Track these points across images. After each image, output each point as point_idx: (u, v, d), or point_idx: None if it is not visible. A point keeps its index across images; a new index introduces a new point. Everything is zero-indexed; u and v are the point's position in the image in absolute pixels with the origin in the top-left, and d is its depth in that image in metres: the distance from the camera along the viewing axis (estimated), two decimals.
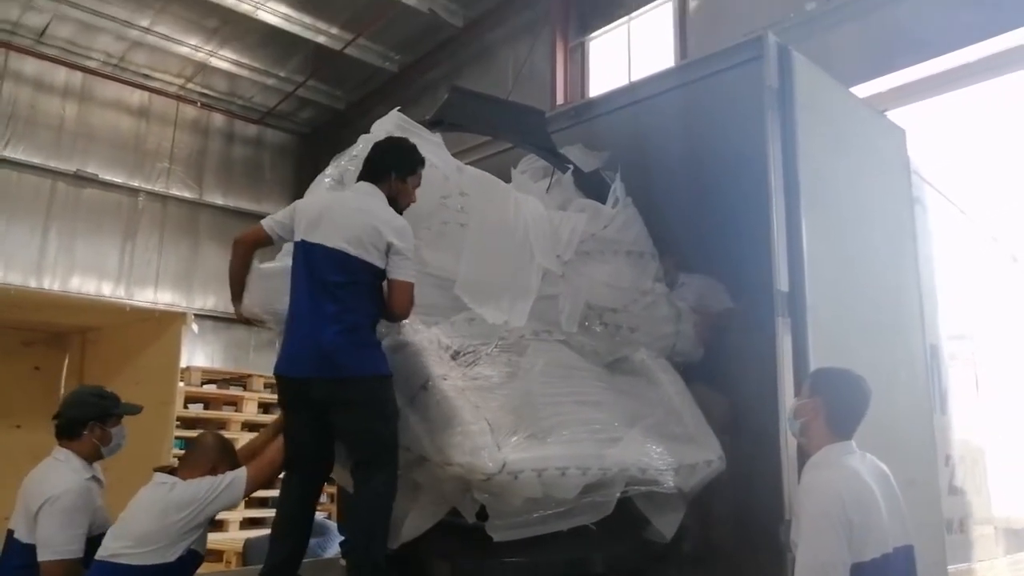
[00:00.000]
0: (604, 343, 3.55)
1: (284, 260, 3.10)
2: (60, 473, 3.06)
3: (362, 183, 3.00)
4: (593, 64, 9.61)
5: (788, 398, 2.97)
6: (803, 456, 2.72)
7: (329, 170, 3.35)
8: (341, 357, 2.70)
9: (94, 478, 3.17)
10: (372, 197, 2.93)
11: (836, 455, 2.41)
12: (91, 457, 3.19)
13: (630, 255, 3.70)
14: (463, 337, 3.11)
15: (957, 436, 4.22)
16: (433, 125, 3.67)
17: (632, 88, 4.15)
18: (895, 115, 5.74)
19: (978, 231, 5.18)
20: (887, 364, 3.43)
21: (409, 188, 3.03)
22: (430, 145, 3.41)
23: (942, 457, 3.93)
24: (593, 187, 3.93)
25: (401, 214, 2.96)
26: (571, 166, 4.00)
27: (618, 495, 2.94)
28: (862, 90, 5.93)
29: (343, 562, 3.84)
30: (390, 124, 3.43)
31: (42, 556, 2.90)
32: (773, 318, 3.16)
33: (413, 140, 3.24)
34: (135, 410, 3.34)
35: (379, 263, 2.79)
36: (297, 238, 2.86)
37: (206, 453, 2.94)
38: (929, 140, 5.96)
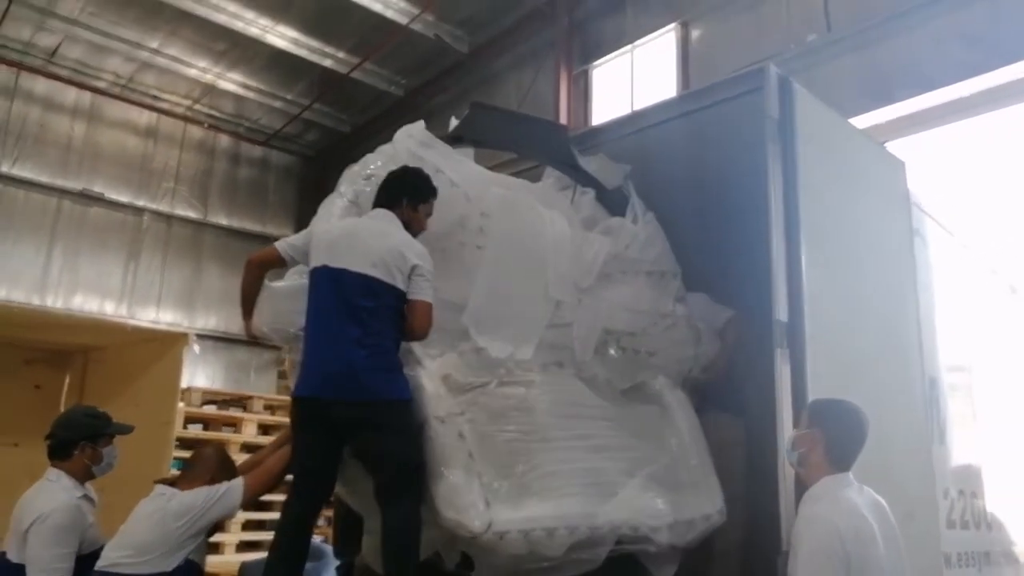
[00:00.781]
0: (619, 370, 3.43)
1: (293, 279, 3.11)
2: (50, 492, 3.08)
3: (378, 210, 3.05)
4: (596, 92, 9.71)
5: (787, 428, 2.97)
6: (800, 486, 2.72)
7: (344, 188, 3.34)
8: (369, 380, 2.72)
9: (85, 497, 3.18)
10: (390, 223, 2.99)
11: (834, 487, 2.41)
12: (82, 477, 3.21)
13: (651, 276, 3.60)
14: (468, 368, 3.04)
15: (955, 468, 4.20)
16: (453, 141, 3.63)
17: (635, 117, 4.19)
18: (894, 147, 5.80)
19: (977, 263, 5.19)
20: (886, 395, 3.43)
21: (421, 216, 3.08)
22: (452, 162, 3.37)
23: (941, 490, 3.91)
24: (616, 204, 3.86)
25: (415, 237, 3.01)
26: (593, 185, 3.90)
27: (606, 554, 2.91)
28: (861, 121, 5.98)
29: None
30: (414, 134, 3.42)
31: (31, 574, 2.90)
32: (772, 348, 3.17)
33: (437, 154, 3.26)
34: (126, 430, 3.35)
35: (403, 286, 2.84)
36: (318, 263, 2.88)
37: (205, 464, 2.97)
38: (928, 172, 6.00)
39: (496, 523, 2.67)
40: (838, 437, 2.47)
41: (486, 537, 2.64)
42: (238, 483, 2.82)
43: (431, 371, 2.95)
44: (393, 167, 3.24)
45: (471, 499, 2.68)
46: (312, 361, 2.81)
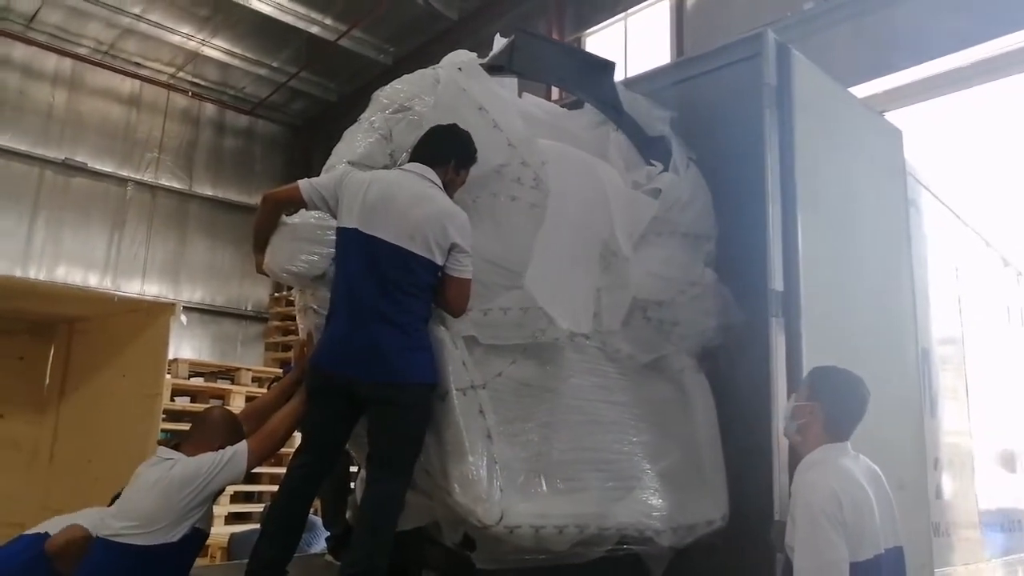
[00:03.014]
0: (644, 341, 3.28)
1: (306, 216, 2.91)
2: None
3: (418, 165, 2.82)
4: None
5: (781, 398, 2.95)
6: (795, 456, 2.70)
7: (375, 118, 3.09)
8: (398, 361, 2.62)
9: None
10: (430, 185, 2.78)
11: (832, 455, 2.40)
12: None
13: (686, 238, 3.41)
14: (494, 330, 2.88)
15: (946, 440, 4.22)
16: (493, 70, 3.36)
17: (628, 84, 4.11)
18: (890, 117, 5.74)
19: (971, 235, 5.18)
20: (879, 366, 3.41)
21: (461, 179, 2.90)
22: (498, 102, 3.15)
23: (931, 460, 3.93)
24: (658, 154, 3.60)
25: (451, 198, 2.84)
26: (634, 130, 3.66)
27: (604, 551, 2.88)
28: (858, 91, 5.92)
29: (329, 558, 3.81)
30: (464, 64, 3.20)
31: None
32: (767, 317, 3.14)
33: (483, 91, 3.06)
34: None
35: (440, 261, 2.69)
36: (349, 224, 2.70)
37: (214, 430, 2.84)
38: (924, 143, 5.96)
39: (508, 516, 2.61)
40: (838, 409, 2.45)
41: (496, 529, 2.59)
42: (243, 448, 2.71)
43: (456, 330, 2.81)
44: (430, 98, 3.04)
45: (485, 487, 2.60)
46: (339, 333, 2.68)
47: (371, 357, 2.63)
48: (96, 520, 2.80)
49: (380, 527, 2.61)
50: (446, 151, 2.85)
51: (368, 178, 2.79)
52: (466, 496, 2.59)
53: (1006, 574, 4.78)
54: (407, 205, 2.71)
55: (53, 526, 2.86)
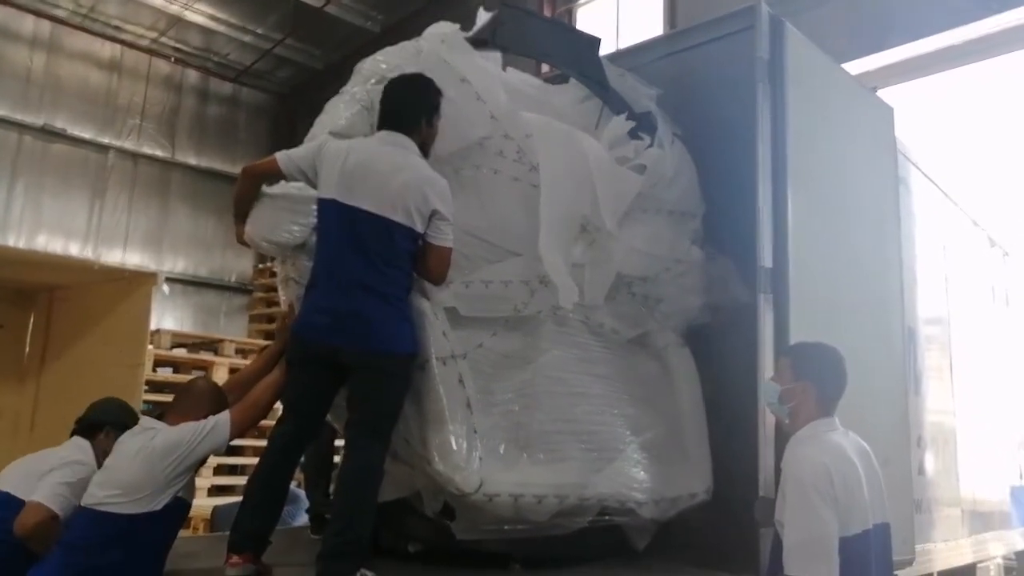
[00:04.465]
0: (628, 316, 3.27)
1: (288, 187, 2.90)
2: (85, 455, 3.02)
3: (392, 134, 2.78)
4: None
5: (768, 374, 2.94)
6: (781, 433, 2.70)
7: (357, 89, 3.07)
8: (382, 330, 2.62)
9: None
10: (409, 152, 2.76)
11: (821, 430, 2.40)
12: (98, 460, 3.10)
13: (671, 215, 3.39)
14: (476, 302, 2.88)
15: (929, 418, 4.26)
16: (477, 44, 3.33)
17: (619, 56, 4.04)
18: (882, 94, 5.70)
19: (959, 214, 5.19)
20: (866, 344, 3.42)
21: (436, 128, 2.86)
22: (480, 74, 3.11)
23: (914, 438, 3.97)
24: (644, 130, 3.54)
25: (428, 156, 2.82)
26: (621, 105, 3.60)
27: (586, 522, 2.87)
28: (851, 67, 5.88)
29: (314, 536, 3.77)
30: (446, 36, 3.18)
31: (33, 495, 2.82)
32: (755, 294, 3.13)
33: (466, 62, 3.03)
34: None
35: (420, 229, 2.68)
36: (328, 194, 2.69)
37: (198, 400, 2.83)
38: (914, 121, 5.95)
39: (488, 484, 2.61)
40: (823, 383, 2.45)
41: (476, 497, 2.59)
42: (225, 418, 2.70)
43: (437, 300, 2.80)
44: (413, 70, 2.98)
45: (464, 456, 2.61)
46: (322, 303, 2.67)
47: (354, 326, 2.61)
48: (24, 473, 2.90)
49: (362, 495, 2.60)
50: (416, 111, 2.82)
51: (345, 147, 2.77)
52: (445, 464, 2.59)
53: None
54: (386, 174, 2.69)
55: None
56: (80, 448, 3.06)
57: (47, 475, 2.88)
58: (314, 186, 2.77)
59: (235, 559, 2.57)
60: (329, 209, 2.70)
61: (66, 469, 2.91)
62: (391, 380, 2.66)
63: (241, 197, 2.91)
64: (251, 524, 2.67)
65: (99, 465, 3.03)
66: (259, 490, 2.74)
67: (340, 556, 2.51)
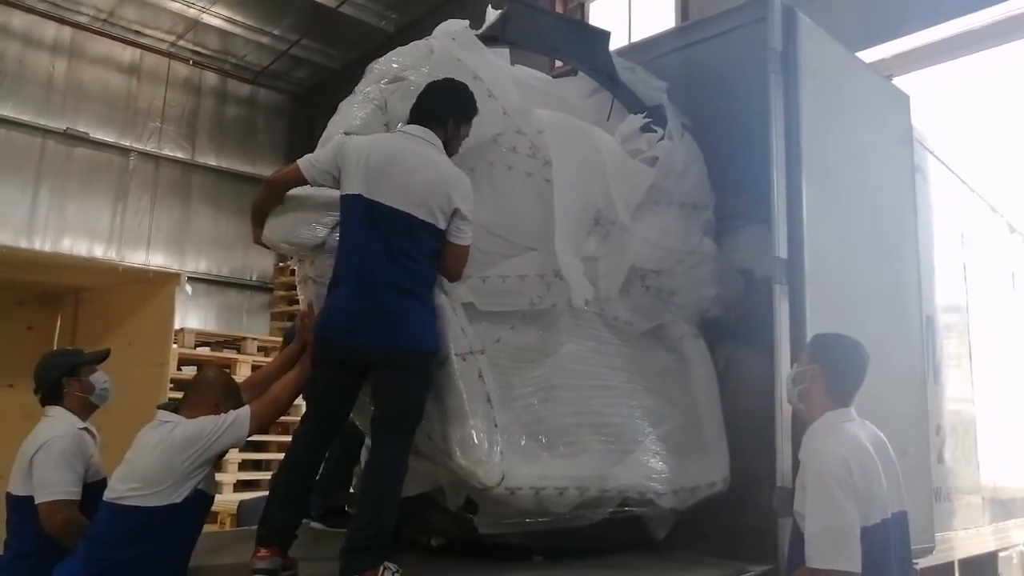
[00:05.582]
0: (642, 310, 3.30)
1: (303, 188, 2.89)
2: (51, 424, 3.10)
3: (418, 128, 2.80)
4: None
5: (784, 365, 2.96)
6: (799, 423, 2.72)
7: (370, 89, 3.08)
8: (408, 328, 2.64)
9: (87, 429, 3.18)
10: (432, 148, 2.77)
11: (837, 421, 2.41)
12: (81, 411, 3.19)
13: (683, 207, 3.42)
14: (493, 297, 2.91)
15: (948, 406, 4.24)
16: (487, 41, 3.36)
17: (632, 50, 4.06)
18: (898, 82, 5.66)
19: (977, 201, 5.15)
20: (884, 333, 3.42)
21: (462, 136, 2.89)
22: (492, 70, 3.14)
23: (933, 426, 3.95)
24: (655, 123, 3.60)
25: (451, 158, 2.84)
26: (631, 99, 3.66)
27: (606, 513, 2.91)
28: (866, 55, 5.84)
29: (316, 525, 3.76)
30: (457, 34, 3.19)
31: (40, 498, 2.90)
32: (771, 285, 3.14)
33: (477, 59, 3.04)
34: (100, 355, 3.31)
35: (443, 226, 2.70)
36: (352, 190, 2.68)
37: (209, 390, 2.86)
38: (931, 108, 5.89)
39: (509, 477, 2.64)
40: (838, 372, 2.46)
41: (498, 491, 2.62)
42: (245, 412, 2.73)
43: (455, 296, 2.83)
44: (425, 68, 3.02)
45: (486, 449, 2.64)
46: (347, 303, 2.67)
47: (380, 323, 2.63)
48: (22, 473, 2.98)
49: (386, 491, 2.64)
50: (444, 109, 2.83)
51: (368, 143, 2.78)
52: (467, 459, 2.62)
53: None
54: (410, 170, 2.70)
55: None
56: (51, 421, 3.12)
57: (43, 470, 2.95)
58: (339, 187, 2.77)
59: (263, 552, 2.61)
60: (353, 204, 2.70)
61: (50, 451, 2.97)
62: (416, 376, 2.69)
63: (262, 204, 2.91)
64: (278, 518, 2.71)
65: (93, 407, 3.15)
66: (285, 486, 2.78)
67: (364, 550, 2.55)
